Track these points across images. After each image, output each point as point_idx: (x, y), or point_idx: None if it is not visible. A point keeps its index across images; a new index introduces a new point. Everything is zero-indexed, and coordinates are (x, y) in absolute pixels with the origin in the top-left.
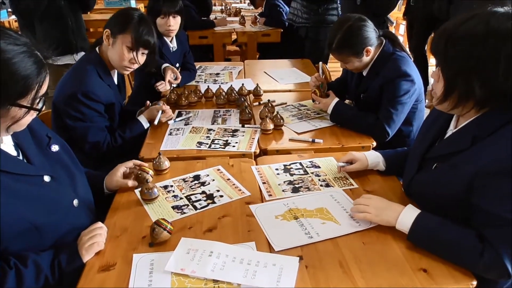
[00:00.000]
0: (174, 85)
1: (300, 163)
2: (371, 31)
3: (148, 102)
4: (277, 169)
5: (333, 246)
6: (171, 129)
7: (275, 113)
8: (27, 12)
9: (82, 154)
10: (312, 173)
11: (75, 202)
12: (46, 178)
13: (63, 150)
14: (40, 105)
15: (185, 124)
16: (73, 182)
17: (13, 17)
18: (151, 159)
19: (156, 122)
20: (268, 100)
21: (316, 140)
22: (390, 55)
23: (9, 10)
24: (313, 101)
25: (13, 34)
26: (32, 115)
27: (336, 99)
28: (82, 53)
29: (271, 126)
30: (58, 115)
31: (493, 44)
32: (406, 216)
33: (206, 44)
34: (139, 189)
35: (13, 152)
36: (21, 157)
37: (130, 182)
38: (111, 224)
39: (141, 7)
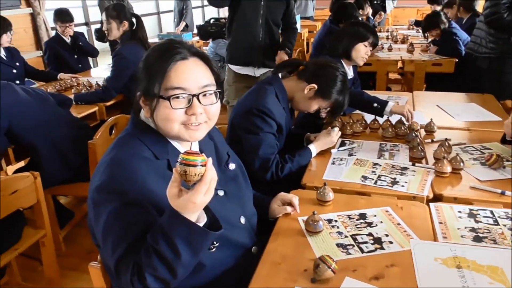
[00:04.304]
0: None
1: (491, 211)
2: None
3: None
4: (460, 212)
5: None
6: (334, 158)
7: (454, 154)
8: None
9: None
10: (504, 225)
11: (242, 219)
12: (220, 193)
13: (239, 169)
14: (169, 94)
15: (349, 155)
16: (242, 201)
17: (196, 38)
18: (313, 187)
19: (334, 138)
20: (445, 139)
21: (507, 193)
22: None
23: (194, 32)
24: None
25: (171, 40)
26: (165, 107)
27: None
28: (263, 69)
29: (448, 168)
30: (233, 130)
31: None
32: None
33: (368, 71)
34: (303, 218)
35: None
36: None
37: (289, 208)
38: (272, 249)
39: None
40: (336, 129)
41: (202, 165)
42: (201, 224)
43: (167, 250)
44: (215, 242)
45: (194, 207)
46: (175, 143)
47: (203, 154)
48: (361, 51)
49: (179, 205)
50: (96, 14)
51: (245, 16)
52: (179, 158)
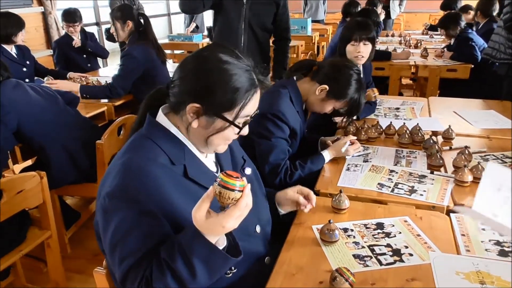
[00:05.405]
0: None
1: None
2: None
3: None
4: (483, 223)
5: None
6: (348, 165)
7: (476, 162)
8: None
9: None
10: None
11: (258, 228)
12: None
13: (253, 174)
14: (240, 122)
15: (364, 161)
16: (258, 208)
17: (207, 40)
18: (327, 194)
19: (343, 150)
20: (466, 147)
21: None
22: None
23: (204, 34)
24: None
25: (239, 55)
26: (233, 131)
27: None
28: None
29: (469, 177)
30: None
31: None
32: None
33: (381, 76)
34: (318, 226)
35: (213, 168)
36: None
37: (302, 199)
38: (287, 258)
39: None
40: (357, 146)
41: (239, 190)
42: (220, 247)
43: (183, 269)
44: (233, 268)
45: (221, 230)
46: (191, 147)
47: (243, 178)
48: (351, 52)
49: (205, 227)
50: (107, 14)
51: (227, 19)
52: (218, 177)
